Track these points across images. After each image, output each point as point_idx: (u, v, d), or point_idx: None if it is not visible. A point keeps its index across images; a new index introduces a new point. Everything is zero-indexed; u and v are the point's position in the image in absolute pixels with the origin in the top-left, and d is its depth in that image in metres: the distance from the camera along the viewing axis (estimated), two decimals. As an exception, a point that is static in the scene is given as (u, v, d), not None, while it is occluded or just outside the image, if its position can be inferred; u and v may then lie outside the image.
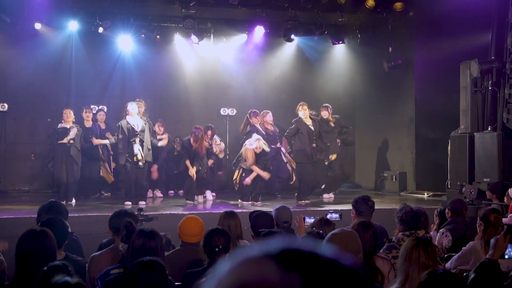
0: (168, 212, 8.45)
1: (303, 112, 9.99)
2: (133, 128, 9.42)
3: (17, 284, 3.22)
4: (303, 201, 9.86)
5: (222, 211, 5.16)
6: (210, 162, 10.47)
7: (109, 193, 11.27)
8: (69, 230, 4.52)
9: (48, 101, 12.06)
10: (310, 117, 10.11)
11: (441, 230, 5.89)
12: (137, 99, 10.28)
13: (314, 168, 10.09)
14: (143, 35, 12.18)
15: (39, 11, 11.15)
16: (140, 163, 9.39)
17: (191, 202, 9.81)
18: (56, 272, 2.86)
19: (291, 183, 10.89)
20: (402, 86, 12.38)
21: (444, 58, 11.14)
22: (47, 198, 9.76)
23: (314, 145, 9.96)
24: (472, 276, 2.60)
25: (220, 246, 3.92)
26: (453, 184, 9.92)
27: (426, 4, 11.44)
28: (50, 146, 10.65)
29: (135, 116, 9.53)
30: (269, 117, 10.68)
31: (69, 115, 9.69)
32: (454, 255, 5.13)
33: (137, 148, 9.36)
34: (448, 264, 5.01)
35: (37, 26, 11.50)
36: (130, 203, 9.21)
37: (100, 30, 11.66)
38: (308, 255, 0.71)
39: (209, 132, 10.52)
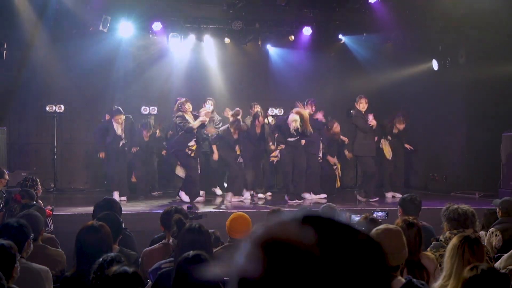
0: (217, 210, 8.63)
1: (363, 106, 10.14)
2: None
3: (77, 274, 3.42)
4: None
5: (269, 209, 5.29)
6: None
7: (161, 192, 11.57)
8: (123, 225, 4.72)
9: (102, 101, 12.47)
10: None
11: (491, 230, 5.81)
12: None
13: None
14: (192, 36, 12.47)
15: (92, 14, 11.58)
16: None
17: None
18: (111, 263, 3.03)
19: None
20: (453, 85, 12.18)
21: (495, 56, 10.89)
22: (101, 195, 10.19)
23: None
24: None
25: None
26: (505, 185, 9.72)
27: (476, 1, 11.22)
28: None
29: (188, 113, 9.78)
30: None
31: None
32: (504, 255, 5.06)
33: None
34: (497, 264, 4.96)
35: (92, 30, 11.93)
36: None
37: (151, 31, 12.00)
38: (326, 218, 0.82)
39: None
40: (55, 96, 12.24)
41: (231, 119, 10.24)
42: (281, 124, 9.86)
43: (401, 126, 10.92)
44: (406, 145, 11.24)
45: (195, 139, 9.66)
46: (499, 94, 10.82)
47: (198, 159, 10.02)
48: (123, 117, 10.36)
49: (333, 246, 0.78)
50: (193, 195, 9.56)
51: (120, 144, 10.32)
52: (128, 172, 10.84)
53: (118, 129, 10.31)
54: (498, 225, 5.89)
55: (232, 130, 10.15)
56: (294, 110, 9.63)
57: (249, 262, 0.82)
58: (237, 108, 10.40)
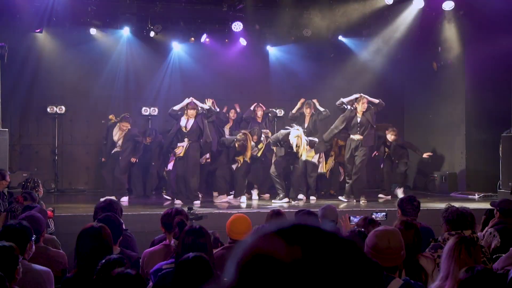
0: (217, 211, 8.67)
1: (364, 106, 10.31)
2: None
3: (78, 275, 3.46)
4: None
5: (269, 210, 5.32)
6: None
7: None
8: (123, 226, 4.76)
9: (102, 103, 12.51)
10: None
11: (489, 230, 5.84)
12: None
13: None
14: (192, 39, 12.51)
15: (94, 17, 11.63)
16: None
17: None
18: (114, 265, 3.07)
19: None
20: (452, 86, 12.21)
21: (495, 57, 10.93)
22: (102, 196, 10.23)
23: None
24: (512, 274, 2.64)
25: (267, 244, 4.05)
26: (504, 185, 9.75)
27: (477, 2, 11.25)
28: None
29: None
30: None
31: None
32: (502, 255, 5.09)
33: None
34: (495, 265, 4.99)
35: (92, 31, 11.99)
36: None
37: (152, 34, 12.05)
38: (312, 229, 0.85)
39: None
40: (56, 97, 12.28)
41: (237, 144, 10.23)
42: (281, 139, 10.00)
43: (391, 138, 11.04)
44: (425, 154, 11.37)
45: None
46: (499, 95, 10.85)
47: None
48: (128, 126, 10.41)
49: (316, 259, 0.81)
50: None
51: (113, 151, 10.40)
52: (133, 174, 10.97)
53: (117, 134, 10.37)
54: (496, 226, 5.92)
55: (236, 145, 10.20)
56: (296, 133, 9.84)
57: (236, 276, 0.84)
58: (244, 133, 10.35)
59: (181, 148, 9.61)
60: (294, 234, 0.85)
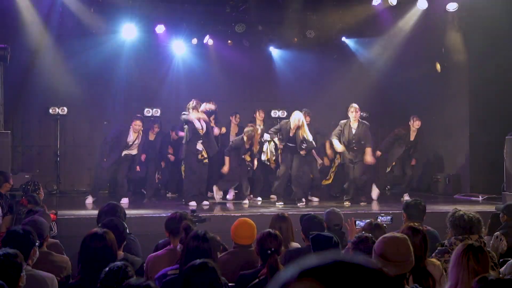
0: (220, 214, 8.62)
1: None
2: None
3: (82, 282, 3.42)
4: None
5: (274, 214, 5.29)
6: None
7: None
8: (127, 231, 4.71)
9: (104, 104, 12.48)
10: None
11: (495, 234, 5.80)
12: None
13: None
14: (195, 40, 12.48)
15: (96, 18, 11.60)
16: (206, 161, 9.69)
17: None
18: (118, 272, 3.03)
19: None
20: (456, 87, 12.16)
21: (498, 58, 10.89)
22: (104, 198, 10.20)
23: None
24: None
25: (272, 249, 4.03)
26: (509, 187, 9.70)
27: (480, 3, 11.21)
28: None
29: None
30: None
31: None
32: (510, 260, 5.05)
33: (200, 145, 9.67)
34: (503, 269, 4.95)
35: (95, 32, 11.95)
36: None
37: (154, 34, 12.01)
38: (355, 268, 0.79)
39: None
40: (58, 99, 12.25)
41: (245, 136, 10.20)
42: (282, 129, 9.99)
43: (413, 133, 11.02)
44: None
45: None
46: (503, 97, 10.81)
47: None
48: (140, 124, 10.21)
49: None
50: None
51: (124, 153, 10.27)
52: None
53: (131, 135, 10.24)
54: (502, 230, 5.88)
55: (245, 138, 10.19)
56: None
57: None
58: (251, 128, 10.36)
59: (203, 152, 9.59)
60: (335, 277, 0.78)
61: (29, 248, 3.64)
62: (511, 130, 10.03)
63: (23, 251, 3.37)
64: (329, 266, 0.80)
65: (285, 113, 12.98)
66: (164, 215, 6.87)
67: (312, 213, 5.55)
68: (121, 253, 4.21)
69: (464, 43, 11.80)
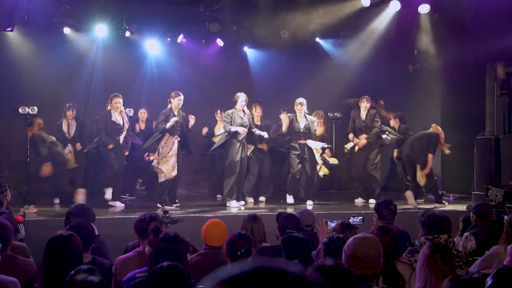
0: (193, 215, 8.56)
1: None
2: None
3: (46, 286, 3.33)
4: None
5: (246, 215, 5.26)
6: None
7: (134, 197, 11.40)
8: (96, 233, 4.63)
9: (75, 103, 12.26)
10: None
11: (465, 234, 5.87)
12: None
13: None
14: (168, 39, 12.38)
15: (67, 16, 11.41)
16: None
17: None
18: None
19: None
20: (428, 88, 12.29)
21: (470, 60, 11.03)
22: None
23: None
24: (489, 282, 2.61)
25: (242, 250, 3.99)
26: (479, 187, 9.83)
27: (452, 6, 11.34)
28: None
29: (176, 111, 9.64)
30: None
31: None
32: (478, 259, 5.11)
33: None
34: (471, 268, 5.00)
35: (66, 30, 11.77)
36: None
37: (127, 34, 11.87)
38: (275, 274, 0.76)
39: None
40: (28, 98, 12.02)
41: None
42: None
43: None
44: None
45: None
46: (474, 98, 10.94)
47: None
48: (121, 101, 9.71)
49: None
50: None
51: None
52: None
53: (116, 115, 9.76)
54: (472, 230, 5.95)
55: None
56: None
57: None
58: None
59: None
60: (251, 283, 0.74)
61: (-9, 251, 3.54)
62: (481, 131, 10.18)
63: (-15, 255, 3.27)
64: (247, 274, 0.76)
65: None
66: (134, 216, 6.78)
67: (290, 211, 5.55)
68: (88, 256, 4.12)
69: (436, 44, 11.92)
